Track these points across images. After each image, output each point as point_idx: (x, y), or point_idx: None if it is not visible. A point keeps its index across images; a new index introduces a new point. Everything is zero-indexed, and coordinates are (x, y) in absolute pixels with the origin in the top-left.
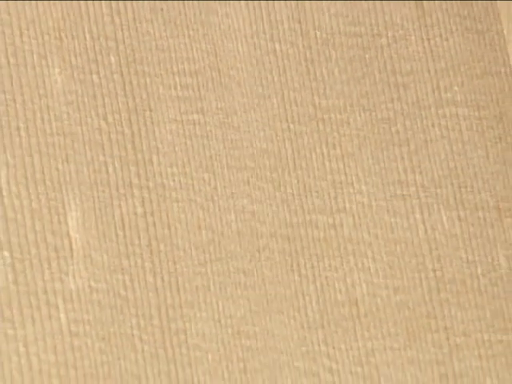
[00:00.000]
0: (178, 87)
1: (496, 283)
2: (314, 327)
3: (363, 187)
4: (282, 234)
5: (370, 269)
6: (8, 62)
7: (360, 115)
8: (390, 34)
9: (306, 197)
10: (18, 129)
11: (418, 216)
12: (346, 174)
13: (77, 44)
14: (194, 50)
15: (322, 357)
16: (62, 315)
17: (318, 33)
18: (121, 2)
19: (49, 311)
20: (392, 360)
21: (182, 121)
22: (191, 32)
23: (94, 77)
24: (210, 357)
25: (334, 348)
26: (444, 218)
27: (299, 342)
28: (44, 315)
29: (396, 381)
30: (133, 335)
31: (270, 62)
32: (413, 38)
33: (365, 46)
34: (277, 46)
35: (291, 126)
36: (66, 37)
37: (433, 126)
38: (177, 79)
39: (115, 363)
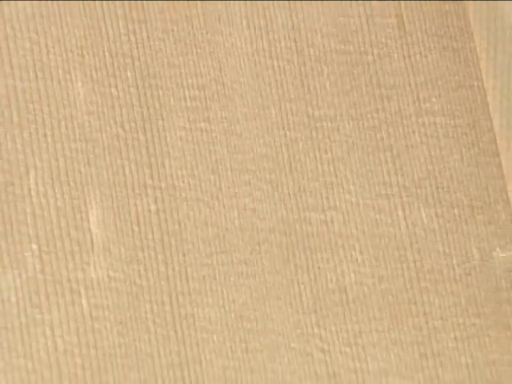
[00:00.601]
0: (187, 99)
1: (470, 273)
2: (307, 312)
3: (351, 187)
4: (280, 229)
5: (357, 260)
6: (36, 76)
7: (348, 123)
8: (375, 52)
9: (301, 196)
10: (45, 135)
11: (400, 213)
12: (336, 175)
13: (97, 60)
14: (201, 65)
15: (315, 338)
16: (84, 301)
17: (312, 50)
18: (136, 24)
19: (72, 298)
20: (377, 341)
21: (191, 128)
22: (198, 50)
23: (113, 90)
24: (215, 338)
25: (325, 330)
26: (423, 215)
27: (294, 325)
28: (68, 301)
29: (381, 359)
30: (147, 319)
31: (268, 77)
32: (395, 55)
33: (353, 63)
34: (274, 62)
35: (287, 133)
36: (88, 54)
37: (413, 133)
38: (186, 92)
39: (131, 344)
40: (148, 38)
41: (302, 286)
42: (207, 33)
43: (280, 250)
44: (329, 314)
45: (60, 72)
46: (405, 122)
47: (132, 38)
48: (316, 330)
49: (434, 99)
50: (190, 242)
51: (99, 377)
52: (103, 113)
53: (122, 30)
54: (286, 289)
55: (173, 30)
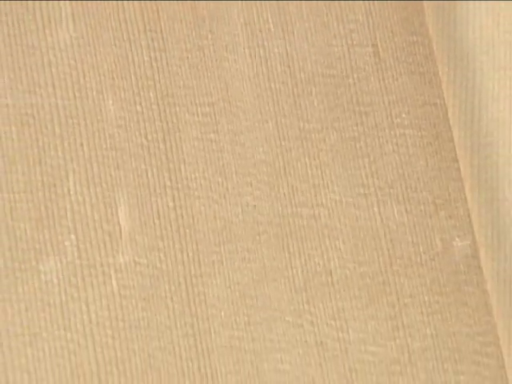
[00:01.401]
0: (199, 114)
1: (433, 259)
2: (299, 291)
3: (335, 188)
4: (276, 222)
5: (340, 248)
6: (74, 96)
7: (333, 135)
8: (354, 76)
9: (293, 195)
10: (82, 145)
11: (375, 209)
12: (322, 178)
13: (125, 83)
14: (211, 87)
15: (305, 313)
16: (114, 282)
17: (302, 74)
18: (157, 52)
19: (104, 279)
20: (357, 315)
21: (202, 139)
22: (209, 74)
23: (138, 107)
24: (222, 313)
25: (314, 306)
26: (395, 211)
27: (288, 302)
28: (100, 282)
29: (360, 331)
30: (165, 297)
31: (266, 96)
32: (371, 78)
33: (336, 84)
34: (272, 84)
35: (282, 143)
36: (117, 77)
37: (386, 142)
38: (198, 108)
39: (153, 317)
40: (167, 64)
41: (294, 270)
42: (216, 60)
43: (276, 240)
44: (317, 293)
45: (94, 92)
46: (380, 133)
47: (154, 64)
48: (306, 306)
49: (403, 115)
50: (201, 232)
51: (126, 345)
52: (130, 126)
53: (145, 58)
54: (281, 272)
55: (187, 58)
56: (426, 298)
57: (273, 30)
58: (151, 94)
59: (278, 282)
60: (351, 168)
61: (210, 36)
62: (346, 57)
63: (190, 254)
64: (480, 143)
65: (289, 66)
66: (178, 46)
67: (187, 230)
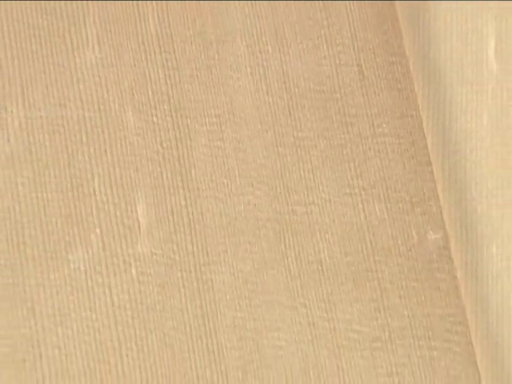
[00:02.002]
0: (208, 124)
1: (410, 249)
2: (294, 278)
3: (325, 188)
4: (274, 218)
5: (329, 241)
6: (99, 109)
7: (323, 142)
8: (342, 91)
9: (289, 194)
10: (105, 151)
11: (360, 207)
12: (314, 180)
13: (143, 97)
14: (218, 101)
15: (299, 296)
16: (133, 270)
17: (297, 90)
18: (171, 71)
19: (125, 267)
20: (344, 299)
21: (210, 146)
22: (216, 89)
23: (154, 118)
24: (227, 296)
25: (306, 291)
26: (377, 208)
27: (284, 287)
28: (121, 270)
29: (346, 312)
30: (178, 283)
31: (265, 109)
32: (356, 93)
33: (326, 99)
34: (270, 98)
35: (279, 149)
36: (136, 93)
37: (369, 149)
38: (206, 119)
39: (167, 300)
40: (179, 81)
41: (289, 259)
42: (222, 78)
43: (274, 234)
44: (309, 280)
45: (116, 106)
46: (363, 141)
47: (168, 81)
48: (300, 291)
49: (384, 125)
50: (209, 227)
51: (144, 324)
52: (147, 135)
53: (160, 75)
54: (278, 261)
55: (197, 75)
56: (404, 284)
57: (271, 51)
58: (166, 107)
59: (275, 270)
60: (339, 171)
61: (216, 57)
62: (334, 75)
63: (200, 246)
64: (450, 150)
65: (284, 83)
66: (189, 65)
67: (197, 225)
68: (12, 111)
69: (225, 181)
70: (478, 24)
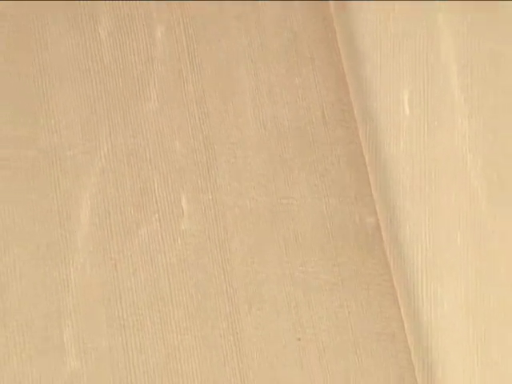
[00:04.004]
0: (228, 145)
1: (355, 228)
2: (287, 253)
3: (301, 188)
4: (268, 210)
5: (304, 221)
6: (157, 139)
7: (301, 158)
8: (311, 126)
9: (279, 190)
10: (161, 165)
11: (323, 200)
12: (297, 182)
13: (184, 130)
14: (233, 131)
15: (298, 273)
16: (179, 241)
17: (283, 125)
18: (202, 112)
19: (174, 239)
20: (313, 259)
21: (229, 157)
22: (232, 125)
23: (192, 143)
24: (239, 259)
25: (292, 256)
26: (333, 201)
27: (278, 263)
28: (171, 240)
29: (314, 266)
30: (206, 249)
31: (263, 138)
32: (322, 127)
33: (303, 130)
34: (265, 131)
35: (275, 161)
36: (181, 128)
37: (329, 162)
38: (227, 141)
39: (199, 260)
40: (208, 118)
41: (281, 241)
42: (235, 117)
43: (267, 222)
44: (296, 249)
45: (168, 137)
46: (325, 156)
47: (200, 117)
48: (294, 270)
49: (338, 148)
50: (228, 218)
51: (184, 275)
52: (187, 155)
53: (196, 115)
54: (272, 243)
55: (218, 117)
56: (352, 252)
57: (266, 102)
58: (201, 137)
59: (270, 250)
60: (311, 175)
61: (231, 104)
62: (305, 116)
63: (222, 227)
64: (377, 162)
65: (275, 120)
66: (214, 110)
67: (220, 213)
68: (102, 139)
69: (236, 184)
70: (394, 82)
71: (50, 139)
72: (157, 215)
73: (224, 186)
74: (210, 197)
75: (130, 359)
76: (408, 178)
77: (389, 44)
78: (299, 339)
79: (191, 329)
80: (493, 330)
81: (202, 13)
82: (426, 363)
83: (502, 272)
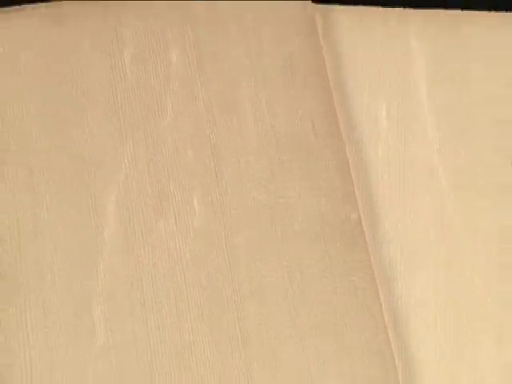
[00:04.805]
0: (233, 151)
1: (340, 222)
2: (283, 250)
3: (293, 188)
4: (267, 206)
5: (297, 216)
6: (171, 149)
7: (298, 163)
8: (301, 138)
9: (278, 188)
10: (176, 171)
11: (314, 199)
12: (289, 181)
13: (196, 144)
14: (238, 143)
15: (294, 263)
16: (192, 235)
17: (280, 135)
18: (212, 128)
19: (186, 232)
20: (303, 249)
21: (234, 162)
22: (238, 136)
23: (206, 151)
24: (245, 250)
25: (283, 245)
26: (320, 201)
27: (276, 255)
28: (185, 233)
29: (302, 258)
30: (214, 243)
31: (261, 147)
32: (311, 138)
33: (297, 139)
34: (262, 142)
35: (273, 169)
36: (194, 140)
37: (319, 167)
38: (232, 149)
39: (208, 253)
40: (216, 125)
41: (279, 235)
42: (239, 130)
43: (267, 219)
44: (292, 247)
45: (182, 148)
46: (313, 162)
47: (211, 131)
48: (288, 256)
49: (325, 156)
50: (233, 215)
51: (194, 263)
52: (199, 163)
53: (209, 137)
54: (271, 237)
55: (223, 130)
56: (337, 243)
57: (266, 116)
58: (208, 145)
59: (268, 244)
60: (303, 174)
61: (235, 119)
62: (299, 130)
63: (228, 223)
64: (359, 165)
65: (274, 131)
66: (222, 126)
67: (225, 216)
68: (125, 149)
69: (241, 187)
70: (373, 98)
71: (81, 148)
72: (173, 214)
73: (229, 188)
74: (218, 197)
75: (150, 337)
76: (386, 180)
77: (369, 66)
78: (294, 320)
79: (202, 312)
80: (459, 312)
81: (210, 38)
82: (401, 340)
83: (467, 263)
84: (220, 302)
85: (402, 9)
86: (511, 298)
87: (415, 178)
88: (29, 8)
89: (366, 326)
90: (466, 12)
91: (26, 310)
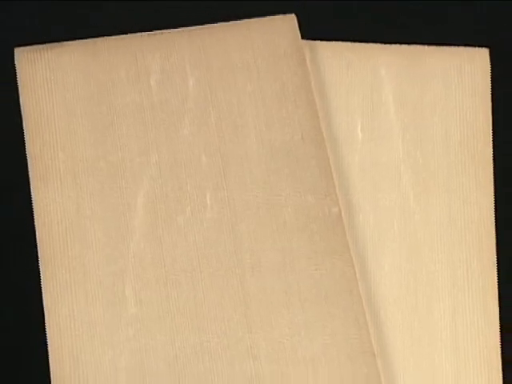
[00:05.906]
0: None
1: (325, 216)
2: (278, 238)
3: (284, 189)
4: (266, 204)
5: (290, 213)
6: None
7: (290, 167)
8: (292, 146)
9: (271, 188)
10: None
11: (303, 198)
12: (283, 180)
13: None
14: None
15: (287, 248)
16: (205, 224)
17: (275, 144)
18: (220, 172)
19: (201, 222)
20: (293, 240)
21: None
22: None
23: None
24: (249, 247)
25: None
26: (308, 198)
27: (272, 241)
28: (200, 224)
29: (293, 250)
30: (224, 234)
31: (259, 155)
32: (301, 146)
33: (289, 146)
34: (259, 151)
35: (270, 177)
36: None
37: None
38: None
39: (221, 242)
40: (224, 137)
41: (274, 226)
42: (243, 145)
43: (264, 212)
44: (284, 236)
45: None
46: (302, 163)
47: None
48: (281, 243)
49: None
50: (240, 213)
51: (207, 251)
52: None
53: (218, 146)
54: (268, 227)
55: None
56: (322, 234)
57: (264, 130)
58: (218, 153)
59: (268, 235)
60: (298, 175)
61: (236, 140)
62: (292, 140)
63: (231, 216)
64: (340, 166)
65: (269, 141)
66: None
67: (231, 210)
68: (151, 154)
69: (247, 194)
70: (350, 115)
71: (116, 156)
72: (189, 207)
73: (235, 187)
74: (226, 194)
75: (171, 305)
76: (360, 181)
77: (347, 90)
78: (287, 289)
79: (212, 284)
80: (418, 284)
81: (220, 68)
82: (372, 307)
83: (425, 250)
84: (226, 275)
85: (374, 44)
86: (460, 277)
87: (384, 179)
88: (71, 44)
89: (344, 296)
90: (425, 47)
91: (72, 283)
